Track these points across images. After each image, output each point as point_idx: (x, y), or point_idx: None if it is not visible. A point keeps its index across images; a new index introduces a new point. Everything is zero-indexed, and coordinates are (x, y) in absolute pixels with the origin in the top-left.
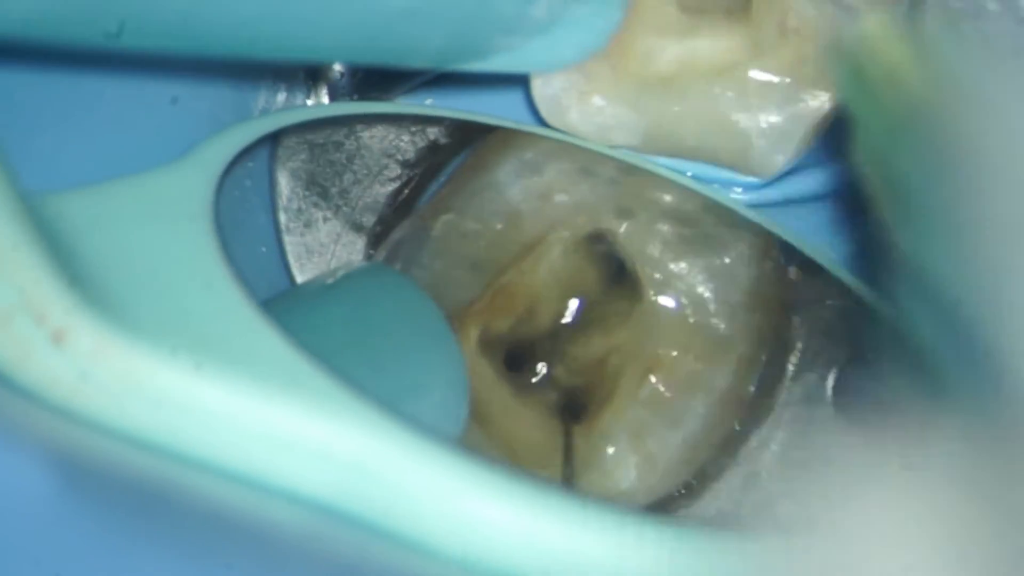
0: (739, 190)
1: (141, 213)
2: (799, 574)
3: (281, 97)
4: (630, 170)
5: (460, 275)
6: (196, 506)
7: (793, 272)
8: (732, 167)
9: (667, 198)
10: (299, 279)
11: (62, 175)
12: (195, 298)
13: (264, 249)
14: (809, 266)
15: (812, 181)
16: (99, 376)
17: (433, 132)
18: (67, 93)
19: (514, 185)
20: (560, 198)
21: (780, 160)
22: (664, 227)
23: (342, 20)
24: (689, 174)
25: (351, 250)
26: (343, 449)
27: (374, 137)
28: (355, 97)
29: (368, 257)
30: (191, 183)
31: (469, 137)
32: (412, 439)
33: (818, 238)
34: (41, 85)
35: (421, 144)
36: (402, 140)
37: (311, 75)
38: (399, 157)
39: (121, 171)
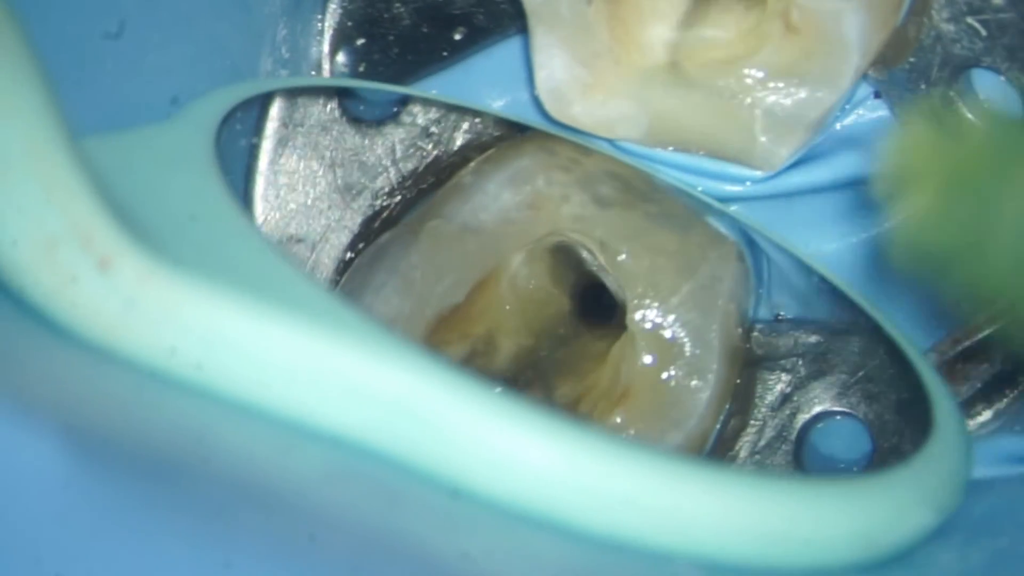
0: (727, 179)
1: (149, 159)
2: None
3: None
4: (624, 189)
5: (444, 279)
6: (197, 499)
7: (761, 329)
8: (736, 160)
9: (659, 203)
10: None
11: None
12: (222, 240)
13: None
14: (777, 324)
15: (815, 174)
16: (144, 305)
17: (411, 162)
18: (67, 93)
19: (503, 194)
20: (550, 210)
21: (783, 153)
22: (647, 262)
23: None
24: (674, 175)
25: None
26: (385, 388)
27: (367, 147)
28: None
29: (348, 261)
30: (190, 135)
31: (449, 169)
32: (453, 379)
33: (820, 230)
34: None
35: (396, 177)
36: (387, 160)
37: (315, 67)
38: (382, 180)
39: None
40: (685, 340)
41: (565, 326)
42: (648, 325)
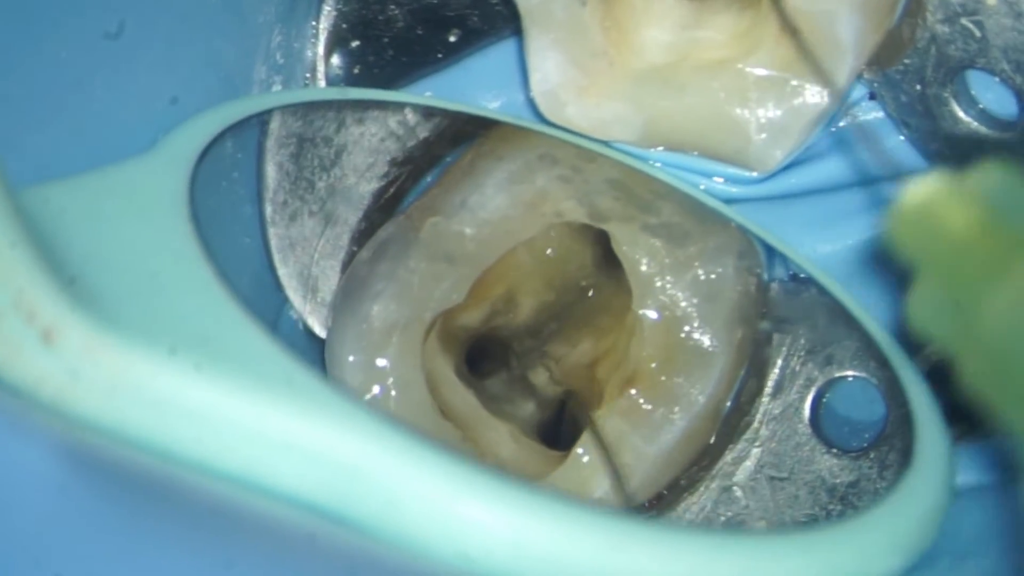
0: (722, 180)
1: (118, 205)
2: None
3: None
4: (621, 184)
5: (443, 282)
6: (197, 499)
7: (776, 289)
8: (731, 162)
9: (658, 214)
10: (281, 272)
11: (60, 174)
12: (181, 298)
13: (248, 240)
14: (792, 284)
15: (810, 176)
16: (89, 375)
17: (423, 131)
18: (67, 92)
19: (502, 193)
20: (549, 207)
21: (778, 155)
22: (652, 240)
23: None
24: (671, 175)
25: (335, 245)
26: (337, 452)
27: (364, 134)
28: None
29: (351, 254)
30: (165, 173)
31: (459, 138)
32: (405, 443)
33: (816, 232)
34: (41, 84)
35: (410, 143)
36: (391, 139)
37: (309, 69)
38: (387, 155)
39: None
40: (693, 316)
41: (587, 276)
42: (653, 308)
